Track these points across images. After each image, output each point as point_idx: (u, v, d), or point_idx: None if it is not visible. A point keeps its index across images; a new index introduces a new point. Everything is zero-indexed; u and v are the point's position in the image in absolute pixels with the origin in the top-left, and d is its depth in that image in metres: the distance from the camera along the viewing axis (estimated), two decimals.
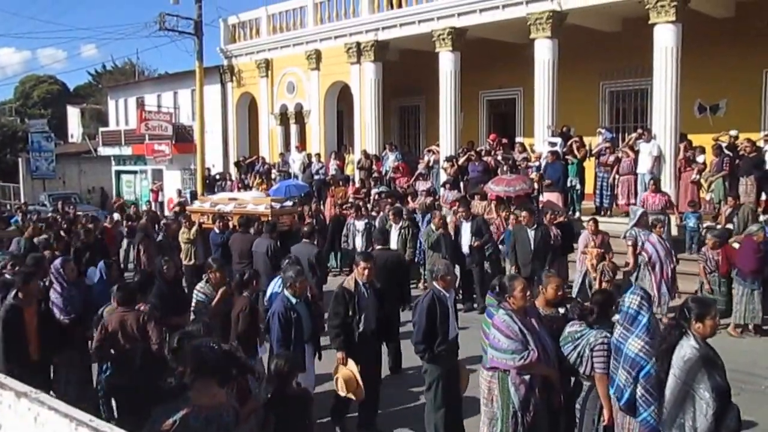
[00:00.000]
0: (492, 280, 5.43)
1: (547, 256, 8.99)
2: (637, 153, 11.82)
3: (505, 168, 12.75)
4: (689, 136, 12.31)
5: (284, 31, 19.23)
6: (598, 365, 4.26)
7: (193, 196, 19.06)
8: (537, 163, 12.60)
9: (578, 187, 12.38)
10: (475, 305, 9.71)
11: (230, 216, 11.10)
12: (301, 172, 17.19)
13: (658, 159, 11.55)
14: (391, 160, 15.67)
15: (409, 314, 6.90)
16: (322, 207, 14.37)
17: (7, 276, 6.66)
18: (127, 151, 25.50)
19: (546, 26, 13.00)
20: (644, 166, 11.54)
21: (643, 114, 14.60)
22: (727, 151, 11.36)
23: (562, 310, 4.86)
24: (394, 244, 9.90)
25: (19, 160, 29.91)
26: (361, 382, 5.37)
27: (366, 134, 17.12)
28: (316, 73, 18.31)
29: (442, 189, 13.43)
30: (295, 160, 17.61)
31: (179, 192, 20.37)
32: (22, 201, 24.23)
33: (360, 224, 11.36)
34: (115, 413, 5.46)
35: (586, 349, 4.32)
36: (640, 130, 12.32)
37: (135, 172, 26.35)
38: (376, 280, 5.79)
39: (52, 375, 5.95)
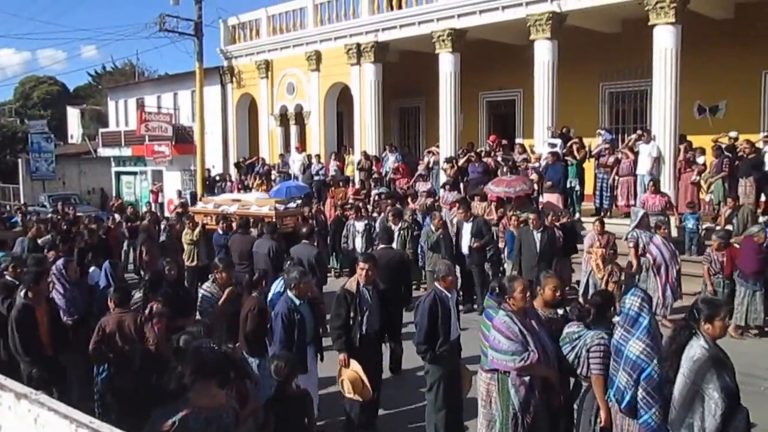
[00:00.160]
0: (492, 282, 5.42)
1: (553, 258, 8.97)
2: (636, 154, 11.83)
3: (505, 169, 12.76)
4: (689, 138, 12.31)
5: (284, 32, 19.24)
6: (594, 366, 4.26)
7: (193, 197, 19.08)
8: (537, 164, 12.60)
9: (578, 188, 12.38)
10: (475, 306, 9.72)
11: (234, 217, 11.11)
12: (301, 173, 17.20)
13: (658, 160, 11.56)
14: (391, 161, 15.67)
15: (410, 315, 6.90)
16: (322, 208, 14.37)
17: (8, 278, 6.65)
18: (127, 152, 25.50)
19: (546, 27, 13.02)
20: (644, 167, 11.55)
21: (642, 115, 14.62)
22: (726, 153, 11.37)
23: (561, 312, 4.85)
24: (394, 245, 9.88)
25: (19, 161, 29.89)
26: (367, 383, 5.35)
27: (366, 135, 17.13)
28: (316, 74, 18.32)
29: (442, 190, 13.43)
30: (295, 161, 17.62)
31: (179, 193, 20.36)
32: (22, 202, 24.21)
33: (360, 225, 11.37)
34: (114, 414, 5.45)
35: (582, 350, 4.33)
36: (639, 132, 12.33)
37: (135, 173, 26.34)
38: (379, 281, 5.77)
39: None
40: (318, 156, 17.31)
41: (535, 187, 12.08)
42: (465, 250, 9.82)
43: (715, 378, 3.44)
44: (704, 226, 10.79)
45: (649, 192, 10.69)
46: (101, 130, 29.07)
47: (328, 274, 10.95)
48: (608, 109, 15.62)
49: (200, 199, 15.58)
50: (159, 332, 5.39)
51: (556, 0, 12.90)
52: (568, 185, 12.21)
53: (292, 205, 12.42)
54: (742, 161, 11.02)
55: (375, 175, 15.48)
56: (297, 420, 4.23)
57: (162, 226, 13.07)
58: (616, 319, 4.28)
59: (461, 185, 13.44)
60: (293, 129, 19.35)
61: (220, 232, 10.39)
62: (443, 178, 13.92)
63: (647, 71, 12.42)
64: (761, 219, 10.22)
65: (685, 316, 3.84)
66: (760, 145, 11.34)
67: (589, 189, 12.80)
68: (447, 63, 14.94)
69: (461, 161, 13.72)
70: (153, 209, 19.65)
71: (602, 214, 12.04)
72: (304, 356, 5.44)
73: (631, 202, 11.64)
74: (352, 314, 5.48)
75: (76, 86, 51.42)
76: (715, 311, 3.62)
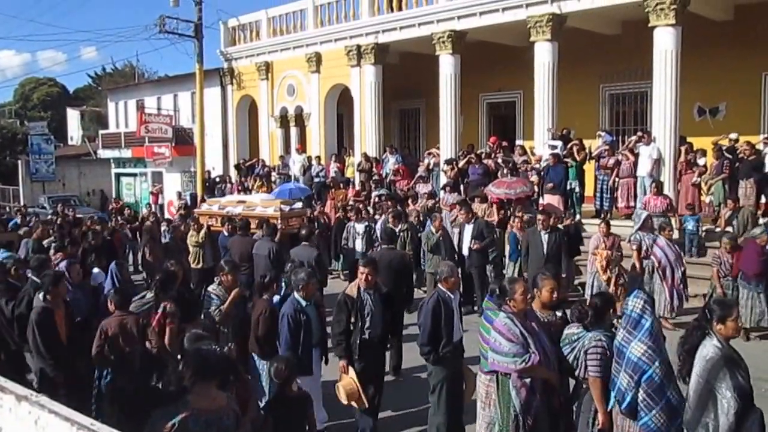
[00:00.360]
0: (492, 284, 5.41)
1: (560, 260, 8.94)
2: (636, 156, 11.82)
3: (505, 171, 12.74)
4: (689, 139, 12.31)
5: (284, 34, 19.24)
6: (591, 368, 4.25)
7: (193, 198, 19.07)
8: (537, 166, 12.60)
9: (578, 189, 12.35)
10: (475, 308, 9.70)
11: (239, 219, 11.07)
12: (301, 174, 17.19)
13: (658, 162, 11.55)
14: (391, 162, 15.67)
15: (412, 316, 6.89)
16: (324, 210, 14.36)
17: (10, 280, 6.66)
18: (126, 153, 25.48)
19: (546, 29, 13.02)
20: (644, 169, 11.55)
21: (642, 117, 14.62)
22: (726, 154, 11.37)
23: (559, 314, 4.83)
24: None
25: (19, 162, 29.93)
26: (362, 393, 5.30)
27: (366, 137, 17.13)
28: (317, 76, 18.32)
29: (442, 192, 13.42)
30: (296, 162, 17.62)
31: (179, 194, 20.35)
32: (22, 203, 24.22)
33: (360, 227, 11.36)
34: (114, 416, 5.44)
35: (581, 352, 4.32)
36: (639, 133, 12.32)
37: (135, 175, 26.33)
38: (381, 285, 5.73)
39: None
40: (318, 158, 17.31)
41: (536, 188, 12.07)
42: (465, 251, 9.82)
43: (728, 377, 3.46)
44: (704, 228, 10.78)
45: (651, 194, 10.67)
46: (101, 131, 29.06)
47: (331, 276, 10.94)
48: (608, 110, 15.62)
49: (203, 201, 15.52)
50: (171, 332, 5.39)
51: (557, 2, 12.91)
52: (568, 187, 12.21)
53: (297, 205, 12.39)
54: (742, 163, 11.01)
55: (375, 177, 15.46)
56: (297, 421, 4.23)
57: (163, 228, 13.06)
58: (616, 320, 4.27)
59: (461, 187, 13.43)
60: (293, 131, 19.34)
61: (226, 233, 10.25)
62: (443, 179, 13.92)
63: (647, 73, 12.43)
64: (761, 221, 10.20)
65: (697, 317, 3.86)
66: (760, 146, 11.34)
67: (589, 191, 12.78)
68: (447, 64, 14.94)
69: (461, 163, 13.72)
70: (153, 211, 19.67)
71: (603, 216, 12.03)
72: (310, 358, 5.42)
73: (632, 203, 11.63)
74: (352, 320, 5.45)
75: (76, 88, 51.60)
76: (727, 312, 3.66)
